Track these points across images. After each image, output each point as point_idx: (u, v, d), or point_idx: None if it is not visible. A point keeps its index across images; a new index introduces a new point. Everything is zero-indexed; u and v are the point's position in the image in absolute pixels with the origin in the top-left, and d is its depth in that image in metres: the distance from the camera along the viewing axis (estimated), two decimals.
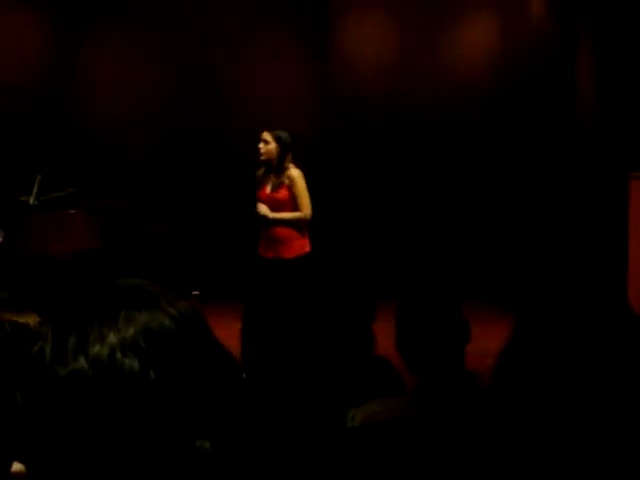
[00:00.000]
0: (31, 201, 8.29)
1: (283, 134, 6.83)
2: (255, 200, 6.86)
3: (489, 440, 2.59)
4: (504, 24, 10.35)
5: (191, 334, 1.05)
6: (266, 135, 6.81)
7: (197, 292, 8.33)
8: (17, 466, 2.14)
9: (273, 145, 6.77)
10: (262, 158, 6.81)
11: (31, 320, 2.37)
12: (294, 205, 6.78)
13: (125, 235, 8.29)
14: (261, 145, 6.80)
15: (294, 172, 6.80)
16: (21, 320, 2.36)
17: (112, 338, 1.00)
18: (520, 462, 1.84)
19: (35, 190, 8.31)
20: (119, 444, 0.98)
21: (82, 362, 0.99)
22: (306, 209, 6.80)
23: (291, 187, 6.77)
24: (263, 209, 6.77)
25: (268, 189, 6.82)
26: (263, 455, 1.64)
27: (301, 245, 6.84)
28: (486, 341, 3.88)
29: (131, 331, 1.01)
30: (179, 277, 8.17)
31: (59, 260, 8.01)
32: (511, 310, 6.31)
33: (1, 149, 9.63)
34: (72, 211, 8.24)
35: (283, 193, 6.78)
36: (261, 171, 6.92)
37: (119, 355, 0.99)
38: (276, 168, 6.80)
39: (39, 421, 1.01)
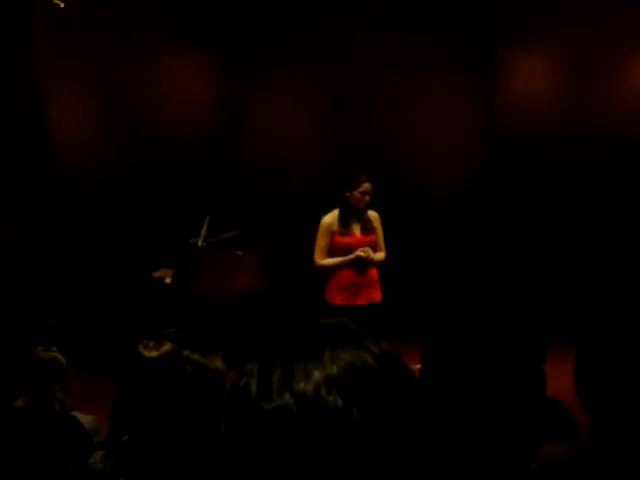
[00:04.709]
0: (199, 243, 8.52)
1: None
2: (312, 249, 6.63)
3: None
4: None
5: (393, 373, 1.06)
6: (370, 186, 6.57)
7: None
8: None
9: None
10: (362, 206, 6.58)
11: (219, 363, 2.44)
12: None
13: (291, 276, 8.39)
14: (367, 197, 6.57)
15: (375, 213, 6.69)
16: (210, 365, 2.44)
17: (317, 375, 1.02)
18: None
19: (204, 232, 8.54)
20: None
21: (287, 398, 1.01)
22: (385, 249, 6.69)
23: (376, 229, 6.66)
24: (372, 253, 6.52)
25: (357, 233, 6.60)
26: None
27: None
28: None
29: (335, 369, 1.03)
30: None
31: (226, 300, 8.19)
32: None
33: (170, 193, 9.95)
34: (239, 252, 8.43)
35: (373, 235, 6.63)
36: (333, 218, 6.61)
37: (324, 392, 1.01)
38: (362, 212, 6.62)
39: (243, 455, 1.04)
